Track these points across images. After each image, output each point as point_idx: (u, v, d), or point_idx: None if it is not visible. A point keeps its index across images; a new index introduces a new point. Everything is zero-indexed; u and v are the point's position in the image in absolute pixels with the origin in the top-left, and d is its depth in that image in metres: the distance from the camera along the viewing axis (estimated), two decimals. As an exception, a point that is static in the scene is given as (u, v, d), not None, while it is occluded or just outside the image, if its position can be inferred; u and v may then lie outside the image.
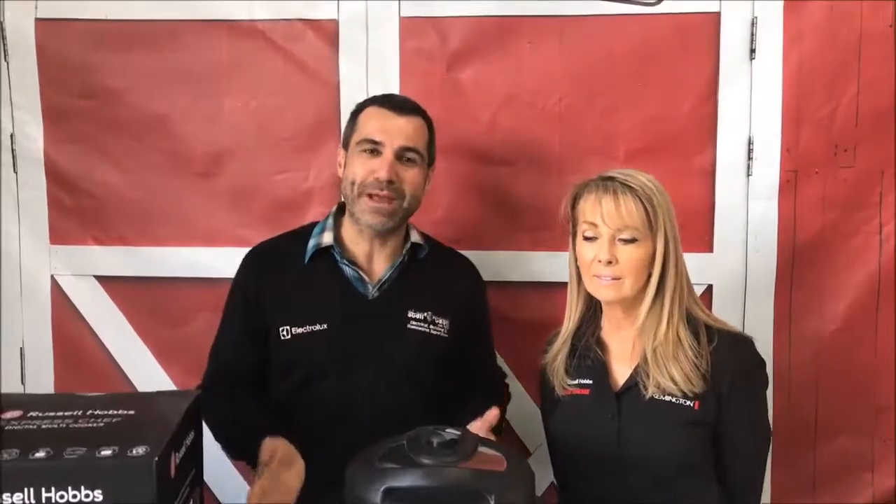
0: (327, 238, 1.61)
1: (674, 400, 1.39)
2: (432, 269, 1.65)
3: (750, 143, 1.85)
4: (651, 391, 1.39)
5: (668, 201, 1.42)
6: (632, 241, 1.39)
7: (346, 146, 1.63)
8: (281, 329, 1.56)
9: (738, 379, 1.40)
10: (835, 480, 1.91)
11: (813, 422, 1.87)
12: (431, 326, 1.60)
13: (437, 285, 1.64)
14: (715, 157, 1.86)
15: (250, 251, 1.67)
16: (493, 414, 1.47)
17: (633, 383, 1.43)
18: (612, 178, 1.41)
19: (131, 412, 1.20)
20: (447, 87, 1.91)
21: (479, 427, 1.44)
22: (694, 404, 1.39)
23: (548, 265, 1.92)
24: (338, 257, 1.60)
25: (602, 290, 1.43)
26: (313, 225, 1.67)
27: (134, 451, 1.06)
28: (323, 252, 1.60)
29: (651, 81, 1.86)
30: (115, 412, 1.20)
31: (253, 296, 1.60)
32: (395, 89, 1.91)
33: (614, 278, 1.40)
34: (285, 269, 1.61)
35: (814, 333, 1.87)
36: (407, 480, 1.10)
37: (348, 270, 1.59)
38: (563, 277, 1.84)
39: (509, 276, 1.94)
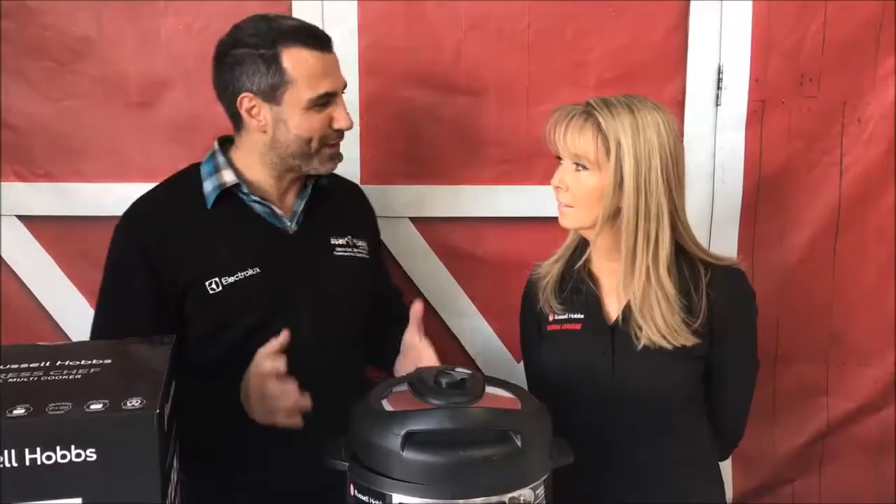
0: (228, 177, 1.46)
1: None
2: (335, 194, 1.57)
3: (719, 72, 1.82)
4: (643, 342, 1.36)
5: (659, 146, 1.32)
6: (582, 168, 1.35)
7: (270, 98, 1.42)
8: (208, 283, 1.42)
9: (731, 312, 1.38)
10: (792, 405, 1.96)
11: (773, 350, 1.90)
12: (355, 250, 1.55)
13: (346, 209, 1.60)
14: (685, 87, 1.83)
15: (133, 215, 1.47)
16: (417, 309, 1.45)
17: (626, 317, 1.39)
18: (587, 104, 1.36)
19: (107, 361, 1.10)
20: (410, 12, 1.80)
21: (415, 332, 1.45)
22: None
23: (513, 200, 1.87)
24: (245, 196, 1.47)
25: (560, 217, 1.40)
26: (193, 170, 1.51)
27: (129, 404, 0.95)
28: (224, 193, 1.46)
29: (622, 9, 1.80)
30: (90, 362, 1.09)
31: (158, 258, 1.42)
32: (353, 15, 1.79)
33: (567, 206, 1.37)
34: (187, 220, 1.46)
35: (776, 264, 1.89)
36: (427, 423, 1.04)
37: (259, 207, 1.48)
38: (530, 213, 1.85)
39: (473, 211, 1.88)
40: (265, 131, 1.44)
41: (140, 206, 1.48)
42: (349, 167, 1.77)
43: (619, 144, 1.31)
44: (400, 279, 1.85)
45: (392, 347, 1.52)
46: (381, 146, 1.84)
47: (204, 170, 1.49)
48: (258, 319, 1.44)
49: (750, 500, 1.97)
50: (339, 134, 1.48)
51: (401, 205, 1.86)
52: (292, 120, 1.43)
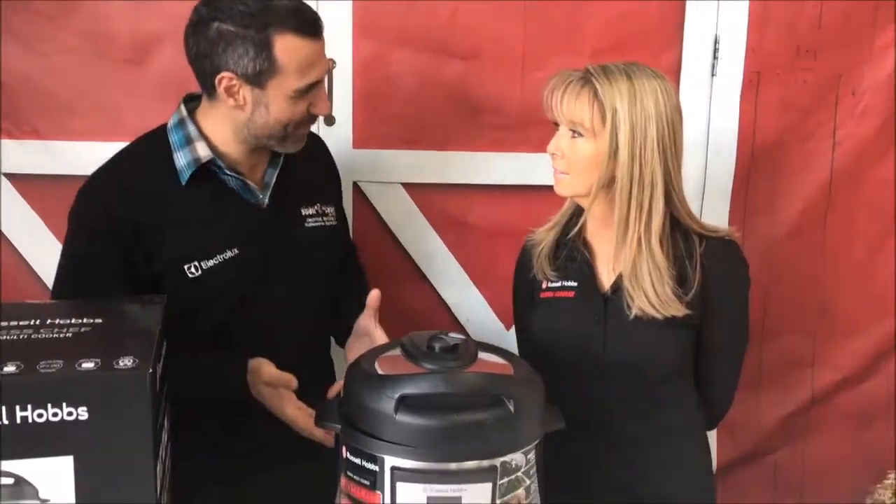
0: (203, 151, 1.38)
1: None
2: (298, 158, 1.48)
3: (716, 41, 1.81)
4: (635, 312, 1.35)
5: (656, 115, 1.30)
6: (577, 135, 1.34)
7: (253, 82, 1.34)
8: (187, 267, 1.37)
9: (724, 283, 1.38)
10: (778, 377, 1.97)
11: (761, 322, 1.91)
12: (324, 218, 1.51)
13: (312, 173, 1.54)
14: (681, 56, 1.82)
15: (99, 192, 1.38)
16: (374, 297, 1.42)
17: (619, 287, 1.39)
18: (585, 70, 1.35)
19: (99, 321, 1.08)
20: (406, -25, 1.77)
21: (370, 317, 1.42)
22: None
23: (507, 167, 1.85)
24: (220, 170, 1.40)
25: (555, 184, 1.39)
26: (160, 136, 1.42)
27: (121, 364, 0.94)
28: (198, 167, 1.39)
29: (619, -25, 1.78)
30: (81, 321, 1.07)
31: (129, 241, 1.34)
32: (347, -21, 1.75)
33: (562, 173, 1.36)
34: (161, 199, 1.37)
35: (766, 236, 1.89)
36: (421, 387, 1.03)
37: (233, 181, 1.41)
38: (524, 180, 1.84)
39: (466, 178, 1.86)
40: (242, 110, 1.37)
41: (105, 182, 1.39)
42: (341, 131, 1.78)
43: (615, 112, 1.30)
44: (390, 245, 1.84)
45: (345, 312, 1.50)
46: (374, 110, 1.81)
47: (174, 138, 1.40)
48: (238, 299, 1.42)
49: (734, 467, 1.98)
50: (315, 118, 1.42)
51: (393, 170, 1.84)
52: (274, 105, 1.35)
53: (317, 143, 1.61)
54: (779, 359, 1.96)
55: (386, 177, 1.83)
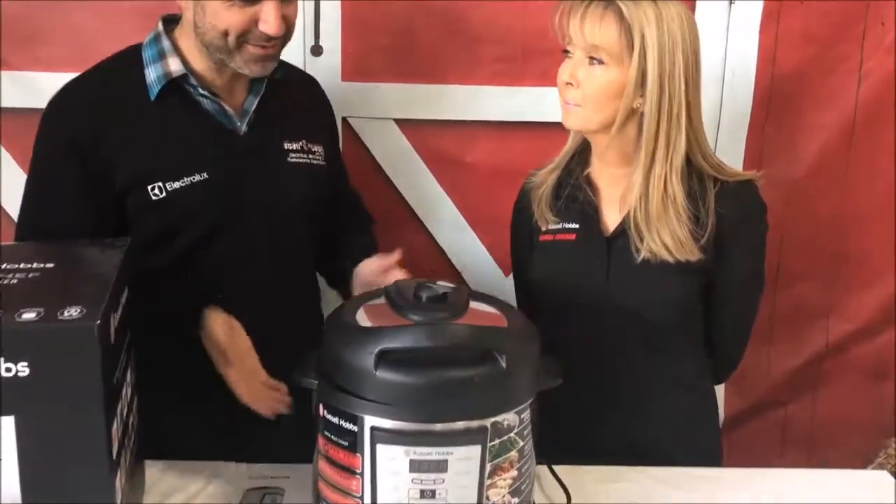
0: (174, 65, 1.31)
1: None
2: (288, 91, 1.42)
3: (734, -36, 1.68)
4: (643, 255, 1.26)
5: (681, 41, 1.23)
6: (598, 62, 1.23)
7: None
8: (150, 187, 1.29)
9: (740, 225, 1.29)
10: (791, 327, 1.89)
11: (775, 268, 1.81)
12: (310, 156, 1.43)
13: (301, 108, 1.46)
14: (698, -20, 1.69)
15: (61, 104, 1.31)
16: (396, 259, 1.34)
17: (624, 229, 1.30)
18: None
19: (50, 265, 0.99)
20: None
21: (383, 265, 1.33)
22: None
23: (507, 102, 1.74)
24: (193, 89, 1.32)
25: (564, 117, 1.29)
26: (133, 53, 1.35)
27: (66, 314, 0.85)
28: (170, 85, 1.31)
29: None
30: (30, 266, 0.98)
31: (92, 152, 1.28)
32: None
33: (575, 105, 1.26)
34: (126, 113, 1.31)
35: (783, 176, 1.78)
36: (403, 340, 0.94)
37: (208, 103, 1.33)
38: (525, 116, 1.73)
39: (464, 113, 1.75)
40: (188, 10, 1.29)
41: (70, 94, 1.32)
42: (329, 60, 1.68)
43: (643, 36, 1.20)
44: (382, 186, 1.76)
45: (344, 258, 1.42)
46: (365, 39, 1.70)
47: (147, 54, 1.33)
48: (206, 229, 1.33)
49: (741, 422, 1.91)
50: (269, 38, 1.29)
51: (385, 105, 1.73)
52: (210, 7, 1.26)
53: (310, 82, 1.54)
54: (793, 308, 1.87)
55: (377, 112, 1.73)
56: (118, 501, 0.92)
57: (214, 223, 1.34)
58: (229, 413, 1.32)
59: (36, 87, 1.67)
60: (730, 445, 1.73)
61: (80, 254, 1.06)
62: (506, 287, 1.66)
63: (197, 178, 1.31)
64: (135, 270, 1.26)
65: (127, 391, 1.03)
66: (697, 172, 1.28)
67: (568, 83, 1.25)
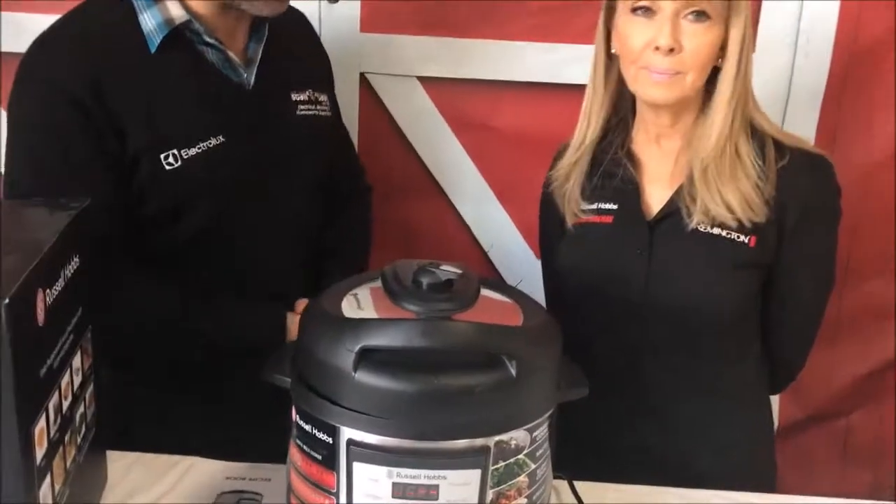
0: (176, 10, 1.16)
1: (724, 234, 1.11)
2: (286, 35, 1.27)
3: (815, -89, 1.48)
4: (697, 219, 1.10)
5: None
6: (704, 18, 1.06)
7: None
8: (164, 156, 1.14)
9: (810, 209, 1.13)
10: (858, 329, 1.69)
11: (844, 263, 1.61)
12: (317, 107, 1.31)
13: (302, 54, 1.33)
14: (770, -71, 1.49)
15: (52, 42, 1.15)
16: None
17: (673, 210, 1.14)
18: None
19: (-20, 228, 0.82)
20: None
21: None
22: (749, 240, 1.11)
23: (544, 61, 1.57)
24: (196, 37, 1.18)
25: (653, 89, 1.10)
26: None
27: (-32, 290, 0.68)
28: (171, 32, 1.16)
29: None
30: (-47, 229, 0.81)
31: (97, 108, 1.11)
32: None
33: (675, 73, 1.08)
34: (128, 66, 1.15)
35: (859, 159, 1.58)
36: (389, 337, 0.77)
37: (212, 53, 1.19)
38: (561, 78, 1.56)
39: (495, 72, 1.59)
40: None
41: (58, 41, 1.15)
42: (346, 9, 1.54)
43: None
44: (401, 150, 1.61)
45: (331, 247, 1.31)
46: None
47: None
48: (225, 199, 1.19)
49: (797, 433, 1.73)
50: None
51: (407, 60, 1.58)
52: None
53: (301, 21, 1.39)
54: (860, 307, 1.68)
55: (399, 68, 1.59)
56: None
57: (233, 192, 1.20)
58: (219, 404, 1.22)
59: (22, 29, 1.52)
60: (783, 456, 1.56)
61: (22, 215, 0.90)
62: (537, 271, 1.50)
63: (213, 142, 1.17)
64: (136, 257, 1.17)
65: (72, 379, 0.87)
66: (759, 139, 1.13)
67: (671, 49, 1.07)
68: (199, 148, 1.16)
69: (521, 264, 1.64)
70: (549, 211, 1.26)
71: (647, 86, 1.10)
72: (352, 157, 1.47)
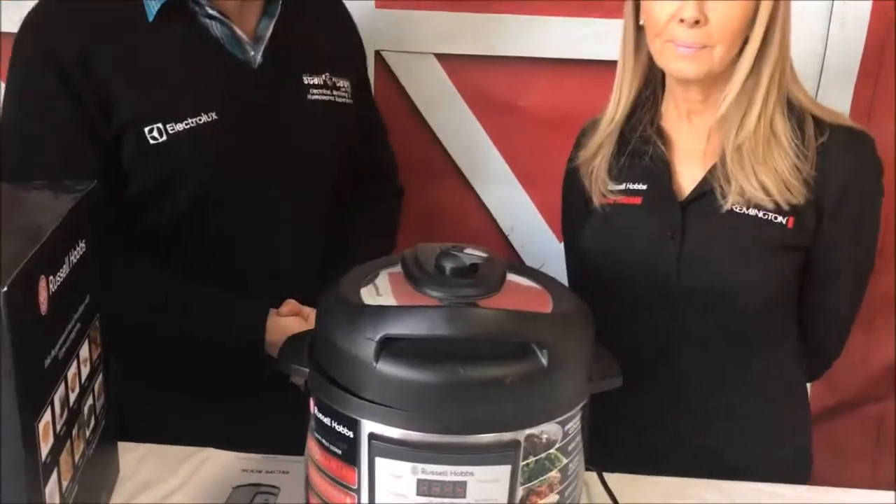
0: None
1: (761, 215, 1.06)
2: (307, 13, 1.22)
3: None
4: (732, 200, 1.05)
5: None
6: None
7: None
8: (148, 129, 1.10)
9: (850, 187, 1.07)
10: (891, 313, 1.62)
11: (879, 245, 1.52)
12: (334, 92, 1.24)
13: (324, 36, 1.27)
14: None
15: (42, 26, 1.12)
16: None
17: (707, 190, 1.08)
18: None
19: (-19, 213, 0.78)
20: None
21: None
22: (787, 221, 1.06)
23: (570, 36, 1.51)
24: (200, 8, 1.13)
25: (679, 63, 1.05)
26: None
27: (-32, 276, 0.64)
28: (171, 3, 1.11)
29: None
30: (-45, 213, 0.78)
31: (83, 79, 1.08)
32: None
33: (702, 46, 1.03)
34: (121, 35, 1.11)
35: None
36: (413, 325, 0.73)
37: (217, 27, 1.14)
38: (589, 54, 1.50)
39: (517, 48, 1.53)
40: None
41: (49, 15, 1.12)
42: None
43: None
44: (418, 132, 1.55)
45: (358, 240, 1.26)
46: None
47: None
48: (216, 182, 1.14)
49: (830, 419, 1.67)
50: None
51: (425, 37, 1.53)
52: None
53: (342, 5, 1.33)
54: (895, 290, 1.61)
55: (416, 45, 1.54)
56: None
57: (224, 175, 1.15)
58: (230, 392, 1.17)
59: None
60: (814, 447, 1.51)
61: (23, 198, 0.86)
62: (560, 255, 1.46)
63: (204, 118, 1.12)
64: (125, 237, 1.12)
65: (80, 369, 0.84)
66: (797, 115, 1.08)
67: (696, 21, 1.02)
68: (187, 124, 1.11)
69: (544, 248, 1.59)
70: (574, 188, 1.21)
71: (672, 60, 1.05)
72: (383, 155, 1.40)
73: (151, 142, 1.10)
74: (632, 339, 1.02)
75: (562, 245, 1.55)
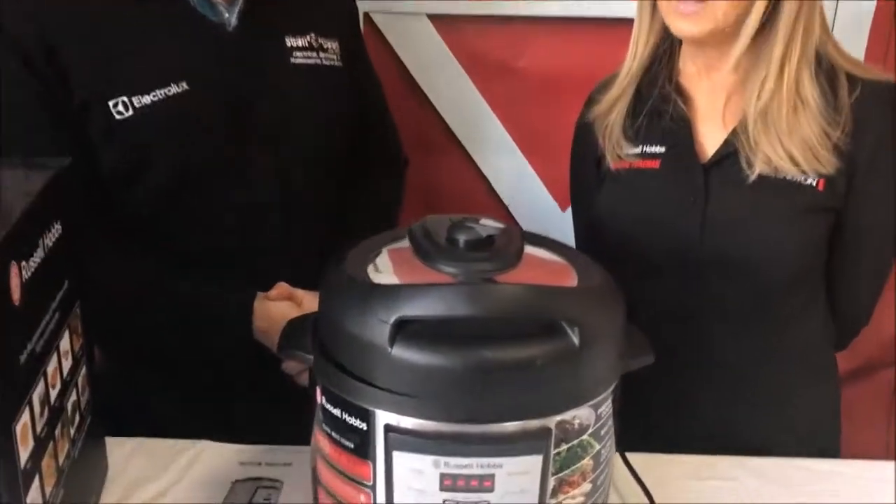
0: None
1: (789, 177, 1.00)
2: None
3: None
4: (758, 168, 0.99)
5: None
6: None
7: None
8: (112, 103, 1.03)
9: (883, 143, 1.01)
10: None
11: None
12: (321, 54, 1.16)
13: None
14: None
15: None
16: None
17: (730, 152, 1.02)
18: None
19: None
20: None
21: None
22: (818, 183, 1.00)
23: None
24: None
25: (680, 22, 0.99)
26: None
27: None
28: None
29: None
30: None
31: (41, 52, 1.01)
32: None
33: (704, 1, 0.96)
34: (79, 2, 1.05)
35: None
36: (430, 305, 0.66)
37: None
38: (592, 11, 1.44)
39: (516, 7, 1.47)
40: None
41: None
42: None
43: None
44: (411, 98, 1.50)
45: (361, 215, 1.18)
46: None
47: None
48: (191, 159, 1.07)
49: (847, 385, 1.62)
50: None
51: None
52: None
53: None
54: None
55: (407, 5, 1.48)
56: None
57: (200, 152, 1.07)
58: (224, 384, 1.11)
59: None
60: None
61: (-4, 177, 0.78)
62: (563, 226, 1.43)
63: (174, 89, 1.04)
64: (100, 222, 1.04)
65: (60, 363, 0.76)
66: (827, 71, 1.01)
67: None
68: (154, 95, 1.04)
69: (547, 219, 1.54)
70: (586, 147, 1.14)
71: (673, 18, 0.98)
72: (382, 121, 1.31)
73: (117, 117, 1.02)
74: (650, 311, 0.95)
75: (564, 215, 1.51)
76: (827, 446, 1.11)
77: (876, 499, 0.94)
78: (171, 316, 1.07)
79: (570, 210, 1.35)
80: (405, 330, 0.65)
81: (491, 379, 0.65)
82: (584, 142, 1.15)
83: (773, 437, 1.06)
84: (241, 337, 1.06)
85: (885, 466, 1.01)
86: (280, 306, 1.06)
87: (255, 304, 1.07)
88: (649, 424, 0.98)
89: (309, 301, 1.02)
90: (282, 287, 1.08)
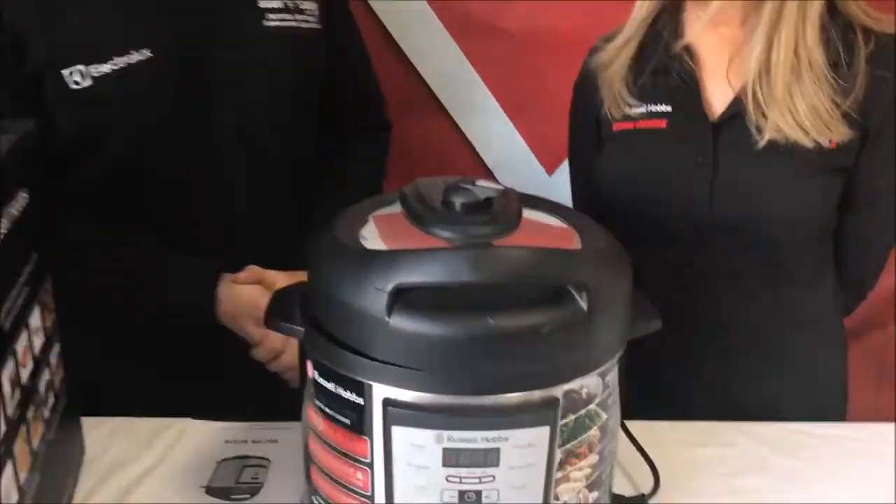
0: None
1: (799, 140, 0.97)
2: None
3: None
4: (768, 136, 0.96)
5: None
6: None
7: None
8: (68, 72, 0.97)
9: None
10: None
11: None
12: (297, 16, 1.10)
13: None
14: None
15: None
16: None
17: (739, 111, 0.99)
18: None
19: None
20: None
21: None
22: (830, 142, 0.97)
23: None
24: None
25: None
26: None
27: None
28: None
29: None
30: None
31: None
32: None
33: None
34: None
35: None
36: (430, 271, 0.62)
37: None
38: None
39: None
40: None
41: None
42: None
43: None
44: (391, 60, 1.44)
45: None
46: None
47: None
48: (153, 133, 1.01)
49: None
50: None
51: None
52: None
53: None
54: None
55: None
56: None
57: (162, 124, 1.01)
58: (197, 352, 1.05)
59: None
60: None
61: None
62: (550, 191, 1.31)
63: (135, 57, 0.98)
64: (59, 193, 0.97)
65: (31, 341, 0.72)
66: (841, 24, 0.97)
67: None
68: (114, 64, 0.98)
69: (534, 185, 1.48)
70: (586, 102, 1.10)
71: None
72: (363, 83, 1.26)
73: (73, 87, 0.97)
74: (657, 277, 0.93)
75: (552, 179, 1.47)
76: (834, 412, 1.09)
77: (878, 460, 0.92)
78: (128, 295, 1.03)
79: (556, 174, 1.32)
80: (403, 298, 0.61)
81: (495, 348, 0.61)
82: (585, 97, 1.11)
83: (781, 402, 1.04)
84: (205, 323, 1.02)
85: (885, 428, 1.00)
86: (249, 290, 1.02)
87: (222, 288, 1.02)
88: (654, 391, 0.95)
89: (281, 283, 0.96)
90: (251, 270, 1.03)
